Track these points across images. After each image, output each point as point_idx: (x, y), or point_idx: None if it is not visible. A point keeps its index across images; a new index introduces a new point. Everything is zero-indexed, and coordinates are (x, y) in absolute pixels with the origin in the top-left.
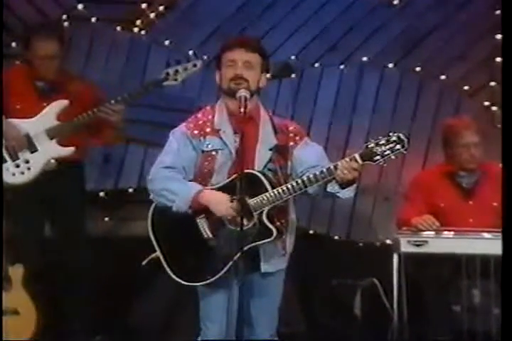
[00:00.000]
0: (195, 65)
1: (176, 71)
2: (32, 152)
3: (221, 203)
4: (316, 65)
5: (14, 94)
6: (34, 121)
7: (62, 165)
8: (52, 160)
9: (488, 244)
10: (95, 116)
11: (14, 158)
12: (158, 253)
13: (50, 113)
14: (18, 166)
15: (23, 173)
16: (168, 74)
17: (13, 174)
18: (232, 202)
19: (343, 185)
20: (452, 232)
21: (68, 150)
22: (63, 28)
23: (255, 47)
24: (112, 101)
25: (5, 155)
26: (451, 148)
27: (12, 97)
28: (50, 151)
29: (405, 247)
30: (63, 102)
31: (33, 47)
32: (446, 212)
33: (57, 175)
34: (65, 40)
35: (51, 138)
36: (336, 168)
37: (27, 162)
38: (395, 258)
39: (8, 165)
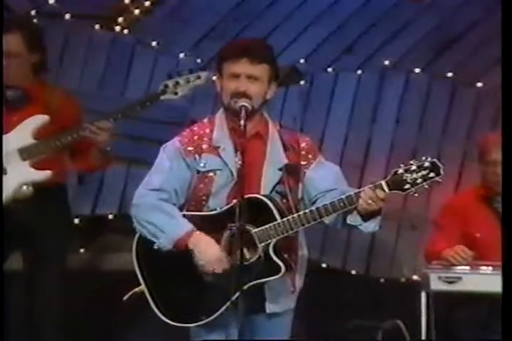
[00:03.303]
0: (199, 77)
1: (177, 83)
2: None
3: (209, 254)
4: (329, 69)
5: None
6: (5, 138)
7: (38, 189)
8: (25, 186)
9: None
10: (79, 136)
11: None
12: (142, 286)
13: (26, 129)
14: None
15: None
16: (166, 86)
17: None
18: (225, 257)
19: (366, 216)
20: (490, 267)
21: (43, 175)
22: (34, 25)
23: (262, 57)
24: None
25: None
26: (480, 165)
27: None
28: (21, 175)
29: (435, 284)
30: (42, 117)
31: None
32: (483, 243)
33: (34, 202)
34: (37, 40)
35: (24, 160)
36: (358, 196)
37: None
38: (423, 296)
39: None
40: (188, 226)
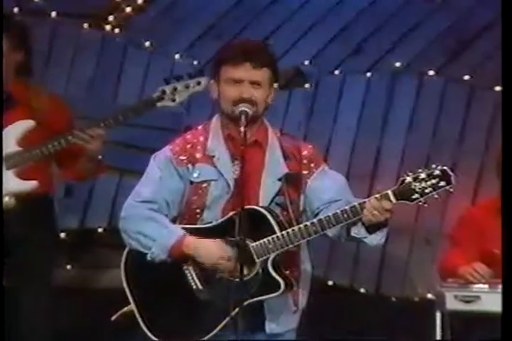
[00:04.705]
0: (199, 83)
1: (175, 89)
2: None
3: (212, 251)
4: (336, 71)
5: None
6: None
7: (22, 200)
8: (7, 197)
9: None
10: (68, 143)
11: None
12: (131, 306)
13: (10, 136)
14: None
15: None
16: (164, 92)
17: None
18: (228, 246)
19: (371, 228)
20: None
21: (29, 185)
22: (18, 22)
23: (264, 61)
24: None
25: None
26: (499, 175)
27: None
28: (5, 185)
29: (451, 303)
30: (28, 123)
31: None
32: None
33: (17, 214)
34: (20, 38)
35: (8, 169)
36: (362, 207)
37: None
38: (438, 317)
39: None
40: (180, 232)
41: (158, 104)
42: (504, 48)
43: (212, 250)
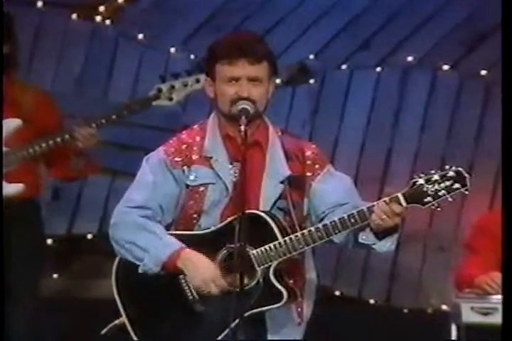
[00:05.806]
0: (197, 81)
1: (172, 87)
2: None
3: (202, 272)
4: (343, 66)
5: None
6: None
7: (6, 204)
8: None
9: None
10: (57, 144)
11: None
12: (123, 318)
13: None
14: None
15: None
16: (160, 90)
17: None
18: (227, 253)
19: (380, 234)
20: None
21: (15, 188)
22: (5, 16)
23: (261, 54)
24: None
25: None
26: None
27: None
28: None
29: (468, 316)
30: (14, 122)
31: None
32: None
33: (1, 219)
34: (8, 34)
35: None
36: (370, 211)
37: None
38: (454, 330)
39: None
40: (177, 244)
41: (154, 103)
42: (504, 48)
43: (203, 271)
